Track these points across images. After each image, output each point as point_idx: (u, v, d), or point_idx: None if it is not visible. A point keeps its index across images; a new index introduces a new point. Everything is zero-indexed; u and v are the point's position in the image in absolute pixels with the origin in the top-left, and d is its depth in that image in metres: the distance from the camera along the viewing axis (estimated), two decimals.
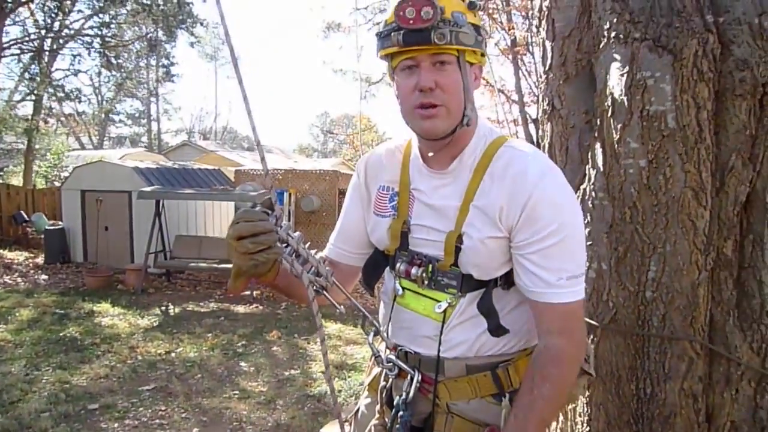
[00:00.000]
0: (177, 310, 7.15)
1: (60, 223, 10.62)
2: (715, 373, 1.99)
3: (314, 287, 1.21)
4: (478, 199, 1.24)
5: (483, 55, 1.26)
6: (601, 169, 2.05)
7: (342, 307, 1.32)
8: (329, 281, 1.25)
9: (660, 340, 1.99)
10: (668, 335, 1.97)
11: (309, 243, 1.24)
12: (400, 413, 1.33)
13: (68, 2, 15.39)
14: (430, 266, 1.30)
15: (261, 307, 7.36)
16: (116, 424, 3.77)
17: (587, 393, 2.19)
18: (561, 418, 2.50)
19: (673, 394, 1.97)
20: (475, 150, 1.28)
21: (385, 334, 1.41)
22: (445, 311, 1.29)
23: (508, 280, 1.28)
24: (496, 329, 1.25)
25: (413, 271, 1.30)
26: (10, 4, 12.21)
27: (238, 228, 1.10)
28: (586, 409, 2.21)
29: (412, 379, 1.34)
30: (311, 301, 1.18)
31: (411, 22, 1.15)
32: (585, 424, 2.22)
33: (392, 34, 1.18)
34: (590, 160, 2.12)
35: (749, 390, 1.96)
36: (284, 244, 1.17)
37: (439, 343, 1.30)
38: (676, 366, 1.97)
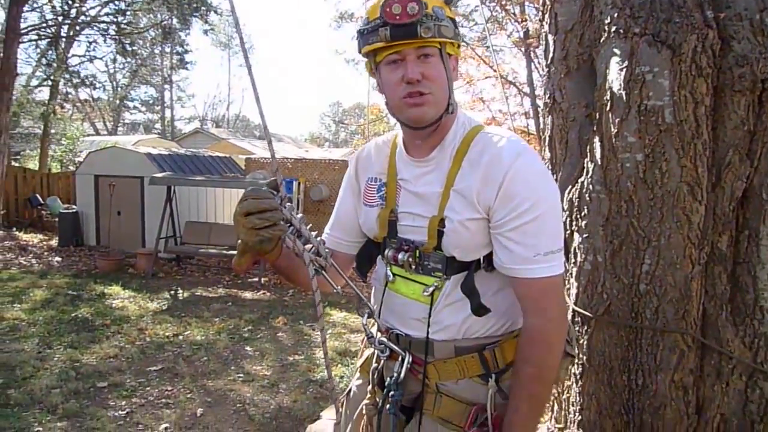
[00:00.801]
0: (186, 294, 7.26)
1: (74, 206, 10.78)
2: (707, 366, 2.01)
3: (314, 266, 1.26)
4: (457, 184, 1.29)
5: (459, 47, 1.32)
6: (599, 162, 2.07)
7: (339, 287, 1.38)
8: (328, 262, 1.31)
9: (652, 333, 2.02)
10: (660, 328, 2.00)
11: (310, 225, 1.30)
12: (391, 393, 1.38)
13: None
14: (417, 251, 1.34)
15: (268, 294, 7.45)
16: (123, 402, 3.87)
17: (580, 383, 2.23)
18: (555, 407, 2.54)
19: (664, 386, 2.01)
20: (455, 138, 1.33)
21: (377, 317, 1.46)
22: (432, 294, 1.33)
23: (491, 262, 1.32)
24: (478, 309, 1.30)
25: (400, 256, 1.36)
26: None
27: (245, 205, 1.17)
28: (578, 398, 2.25)
29: (403, 360, 1.39)
30: (311, 279, 1.23)
31: (397, 17, 1.20)
32: (577, 413, 2.26)
33: (379, 29, 1.23)
34: (589, 154, 2.15)
35: (740, 384, 1.98)
36: (288, 224, 1.23)
37: (428, 325, 1.34)
38: (668, 358, 2.00)
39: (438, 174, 1.33)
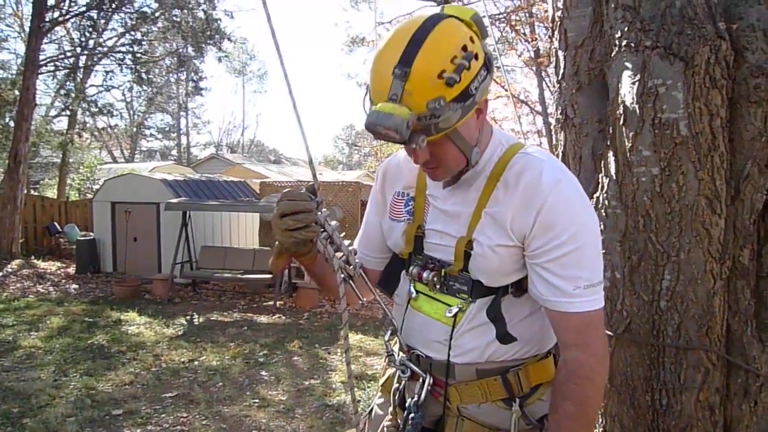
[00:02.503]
0: (201, 319, 7.26)
1: (91, 234, 10.90)
2: (733, 384, 1.95)
3: (343, 274, 1.27)
4: (490, 207, 1.23)
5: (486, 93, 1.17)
6: (614, 177, 2.04)
7: (365, 300, 1.37)
8: (357, 271, 1.30)
9: (675, 351, 1.96)
10: (683, 345, 1.94)
11: (344, 234, 1.30)
12: (411, 415, 1.34)
13: (102, 21, 15.89)
14: (443, 271, 1.30)
15: (283, 318, 7.43)
16: (139, 430, 3.84)
17: (602, 403, 2.17)
18: None
19: (690, 406, 1.94)
20: (491, 157, 1.27)
21: (400, 335, 1.42)
22: (455, 316, 1.29)
23: (519, 288, 1.27)
24: (503, 337, 1.25)
25: (425, 274, 1.32)
26: (47, 24, 12.66)
27: (281, 206, 1.18)
28: (601, 420, 2.18)
29: (423, 381, 1.35)
30: (339, 284, 1.25)
31: (388, 137, 1.07)
32: None
33: None
34: (603, 169, 2.11)
35: None
36: (321, 229, 1.24)
37: (449, 348, 1.30)
38: (692, 377, 1.93)
39: (470, 193, 1.27)
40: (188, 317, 7.32)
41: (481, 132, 1.23)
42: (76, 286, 9.27)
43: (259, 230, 10.12)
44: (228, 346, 5.97)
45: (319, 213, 1.22)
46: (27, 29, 13.92)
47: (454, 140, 1.16)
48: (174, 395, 4.52)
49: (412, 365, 1.37)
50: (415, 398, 1.35)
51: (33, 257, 11.60)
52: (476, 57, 1.09)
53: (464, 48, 1.08)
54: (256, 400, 4.46)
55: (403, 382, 1.41)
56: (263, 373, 5.15)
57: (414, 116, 1.05)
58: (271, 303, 8.04)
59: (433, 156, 1.17)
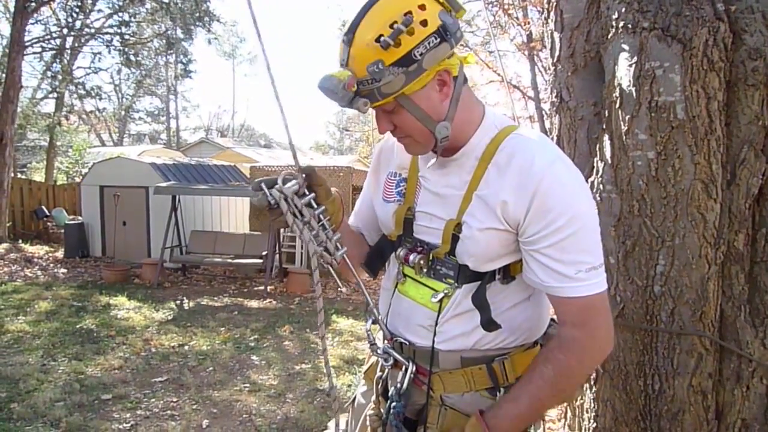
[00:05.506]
0: (191, 304, 7.22)
1: (79, 218, 10.79)
2: (726, 369, 1.95)
3: (321, 261, 1.26)
4: (481, 189, 1.20)
5: (449, 57, 1.13)
6: (609, 161, 2.02)
7: (345, 288, 1.34)
8: (335, 259, 1.28)
9: (668, 336, 1.95)
10: (677, 330, 1.93)
11: (329, 218, 1.28)
12: (393, 404, 1.32)
13: (89, 1, 15.59)
14: (430, 254, 1.28)
15: (274, 302, 7.40)
16: (128, 415, 3.82)
17: (594, 389, 2.16)
18: (569, 414, 2.48)
19: (682, 391, 1.94)
20: (483, 139, 1.24)
21: (383, 323, 1.40)
22: (441, 301, 1.27)
23: (507, 275, 1.24)
24: (488, 324, 1.22)
25: (411, 257, 1.29)
26: (33, 4, 12.38)
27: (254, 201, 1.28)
28: (593, 404, 2.18)
29: (406, 370, 1.33)
30: (314, 271, 1.26)
31: (332, 98, 1.13)
32: (592, 420, 2.19)
33: None
34: (598, 153, 2.09)
35: (761, 387, 1.92)
36: (300, 215, 1.24)
37: (434, 334, 1.28)
38: (685, 362, 1.93)
39: (461, 175, 1.24)
40: (178, 302, 7.27)
41: (453, 107, 1.19)
42: (65, 271, 9.18)
43: (249, 215, 10.06)
44: (218, 330, 5.94)
45: (297, 199, 1.23)
46: (12, 9, 13.62)
47: (408, 109, 1.16)
48: (164, 380, 4.49)
49: (394, 353, 1.35)
50: (398, 387, 1.32)
51: (20, 241, 11.46)
52: (423, 24, 1.08)
53: (407, 13, 1.08)
54: (247, 385, 4.44)
55: (386, 371, 1.39)
56: (254, 357, 5.14)
57: (353, 79, 1.09)
58: (262, 288, 8.01)
59: (396, 127, 1.19)
